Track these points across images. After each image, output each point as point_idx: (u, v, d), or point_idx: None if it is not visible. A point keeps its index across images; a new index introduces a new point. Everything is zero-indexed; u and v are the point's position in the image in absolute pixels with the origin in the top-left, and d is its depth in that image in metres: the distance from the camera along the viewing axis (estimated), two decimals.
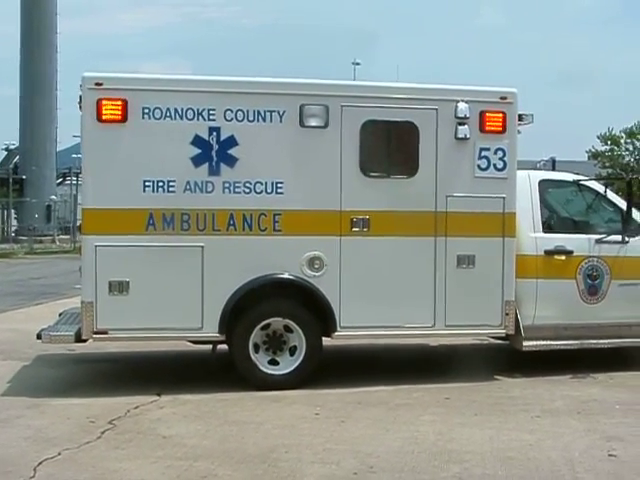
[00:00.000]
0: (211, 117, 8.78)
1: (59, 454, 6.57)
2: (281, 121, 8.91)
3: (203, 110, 8.76)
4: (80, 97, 8.79)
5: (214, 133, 8.78)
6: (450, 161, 9.25)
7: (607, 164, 73.07)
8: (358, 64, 74.18)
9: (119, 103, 8.59)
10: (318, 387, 8.95)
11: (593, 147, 73.06)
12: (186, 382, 9.21)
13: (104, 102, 8.57)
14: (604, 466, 6.37)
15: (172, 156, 8.76)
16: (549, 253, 9.72)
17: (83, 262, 8.71)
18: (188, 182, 8.75)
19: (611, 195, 10.36)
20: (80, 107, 8.83)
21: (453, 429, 7.36)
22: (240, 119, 8.83)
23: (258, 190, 8.88)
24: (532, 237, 9.70)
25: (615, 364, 10.04)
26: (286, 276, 8.94)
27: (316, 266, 8.95)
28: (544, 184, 10.11)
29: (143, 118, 8.66)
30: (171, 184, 8.74)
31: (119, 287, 8.63)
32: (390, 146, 9.34)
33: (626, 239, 9.95)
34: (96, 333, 8.64)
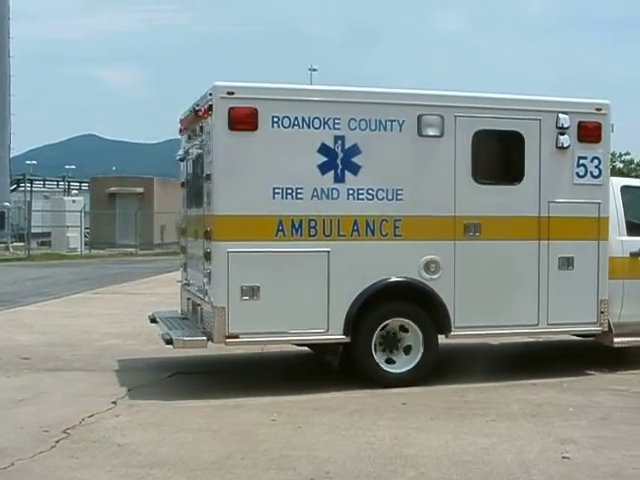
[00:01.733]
0: (336, 126, 9.11)
1: (12, 464, 6.50)
2: (401, 130, 9.30)
3: (329, 119, 9.09)
4: (195, 108, 9.46)
5: (339, 142, 9.12)
6: (551, 169, 9.81)
7: None
8: (315, 70, 74.65)
9: (250, 112, 8.87)
10: (275, 394, 8.94)
11: None
12: (142, 390, 9.15)
13: (236, 111, 8.82)
14: (558, 468, 6.43)
15: (300, 164, 9.07)
16: (634, 255, 10.37)
17: (214, 268, 8.92)
18: (315, 189, 9.07)
19: None
20: (184, 119, 10.00)
21: (409, 434, 7.39)
22: (363, 128, 9.18)
23: (380, 197, 9.24)
24: (618, 240, 10.30)
25: (569, 369, 10.17)
26: (406, 279, 9.31)
27: (432, 269, 9.36)
28: (625, 190, 10.66)
29: (272, 127, 8.94)
30: (299, 191, 9.04)
31: (250, 292, 8.85)
32: (498, 154, 10.08)
33: None
34: (228, 337, 8.85)
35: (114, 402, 8.54)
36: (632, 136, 49.61)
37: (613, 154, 72.58)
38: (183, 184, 11.07)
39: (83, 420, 7.81)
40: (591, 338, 10.51)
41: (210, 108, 8.94)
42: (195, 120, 9.67)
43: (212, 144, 8.97)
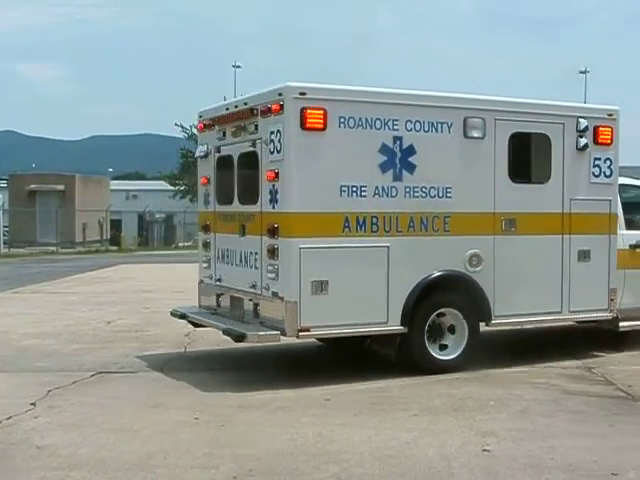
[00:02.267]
0: (395, 127, 9.62)
1: None
2: (449, 132, 9.93)
3: (389, 120, 9.58)
4: (250, 106, 9.81)
5: (397, 142, 9.64)
6: (572, 169, 10.78)
7: None
8: (239, 67, 74.48)
9: (321, 112, 9.22)
10: (198, 393, 8.89)
11: None
12: (62, 390, 9.00)
13: (308, 111, 9.15)
14: (478, 461, 6.52)
15: (363, 163, 9.52)
16: (632, 247, 11.59)
17: (284, 264, 9.24)
18: (377, 187, 9.55)
19: None
20: (218, 117, 10.49)
21: (333, 430, 7.40)
22: (417, 129, 9.75)
23: (432, 194, 9.86)
24: (620, 234, 11.31)
25: (491, 363, 10.32)
26: (454, 272, 9.97)
27: (474, 262, 10.07)
28: (622, 188, 11.62)
29: (339, 127, 9.34)
30: (363, 189, 9.49)
31: (320, 287, 9.21)
32: (530, 155, 10.74)
33: None
34: (300, 331, 9.16)
35: (33, 403, 8.37)
36: None
37: None
38: (207, 180, 11.25)
39: (0, 422, 7.64)
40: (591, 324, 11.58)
41: (281, 107, 9.22)
42: (244, 118, 9.99)
43: (284, 143, 9.21)
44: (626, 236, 11.49)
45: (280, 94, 9.28)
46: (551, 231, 10.63)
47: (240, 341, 9.44)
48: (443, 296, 10.05)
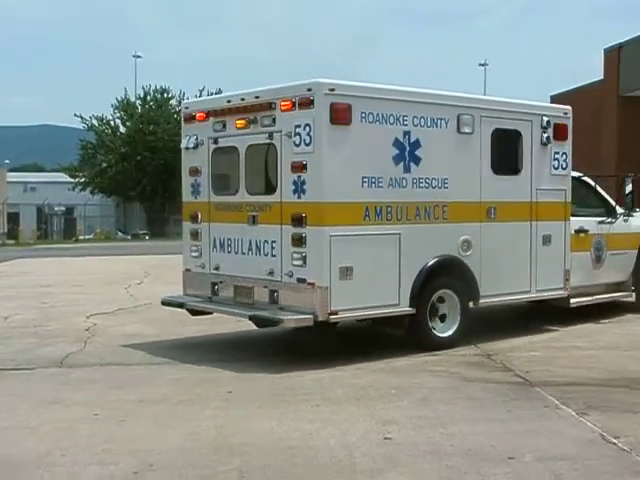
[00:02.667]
0: (405, 122, 10.35)
1: None
2: (446, 127, 10.78)
3: (400, 116, 10.30)
4: (268, 100, 10.17)
5: (407, 136, 10.37)
6: (538, 162, 11.93)
7: None
8: (139, 57, 73.62)
9: (347, 107, 9.81)
10: (98, 388, 8.75)
11: None
12: None
13: (337, 106, 9.69)
14: (380, 449, 6.58)
15: (380, 155, 10.18)
16: (577, 232, 12.86)
17: (314, 251, 9.73)
18: (391, 178, 10.24)
19: (598, 188, 13.81)
20: (219, 109, 10.86)
21: (235, 423, 7.38)
22: (422, 125, 10.52)
23: (433, 185, 10.67)
24: None
25: (394, 351, 10.43)
26: (451, 256, 10.88)
27: (465, 247, 10.99)
28: None
29: (361, 121, 9.95)
30: (380, 180, 10.16)
31: (346, 272, 9.80)
32: (507, 149, 11.68)
33: (612, 220, 13.58)
34: (330, 314, 9.69)
35: None
36: None
37: None
38: (197, 170, 11.43)
39: None
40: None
41: (311, 102, 9.67)
42: (256, 110, 10.33)
43: (314, 136, 9.65)
44: (572, 222, 12.58)
45: (310, 89, 9.73)
46: (523, 218, 11.77)
47: (268, 326, 10.39)
48: (442, 279, 10.91)
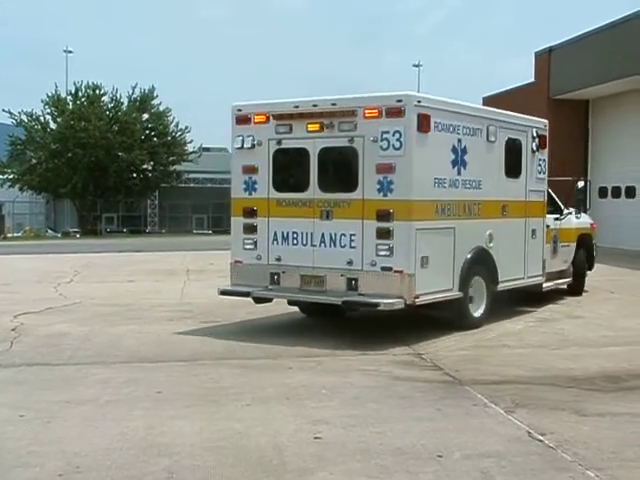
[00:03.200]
0: (458, 131, 12.00)
1: None
2: (480, 136, 12.58)
3: (456, 126, 11.94)
4: (351, 108, 11.32)
5: (460, 143, 12.03)
6: (530, 166, 14.07)
7: None
8: (70, 52, 72.84)
9: (429, 117, 11.28)
10: (24, 389, 8.58)
11: None
12: None
13: (423, 116, 11.16)
14: (310, 449, 6.57)
15: (443, 160, 11.79)
16: (547, 227, 14.84)
17: (402, 243, 11.05)
18: (449, 180, 11.88)
19: (550, 190, 15.42)
20: (293, 114, 11.74)
21: (164, 422, 7.30)
22: (468, 134, 12.21)
23: (474, 186, 12.40)
24: None
25: (324, 348, 10.43)
26: (482, 247, 12.65)
27: (489, 240, 12.75)
28: None
29: (434, 130, 11.42)
30: (444, 181, 11.77)
31: (425, 261, 11.28)
32: (514, 155, 13.59)
33: (562, 218, 15.88)
34: (414, 298, 11.12)
35: None
36: None
37: None
38: (253, 169, 12.17)
39: None
40: None
41: (401, 112, 10.98)
42: (336, 117, 11.41)
43: (404, 141, 10.97)
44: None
45: (400, 100, 11.02)
46: (521, 215, 13.79)
47: (357, 309, 12.33)
48: (476, 267, 12.46)
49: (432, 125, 11.29)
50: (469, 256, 12.22)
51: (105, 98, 62.91)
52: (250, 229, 12.19)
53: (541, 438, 6.85)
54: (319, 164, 11.69)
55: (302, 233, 11.75)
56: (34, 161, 61.57)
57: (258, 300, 12.18)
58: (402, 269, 10.98)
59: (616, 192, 29.61)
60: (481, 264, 12.58)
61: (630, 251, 26.81)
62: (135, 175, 64.01)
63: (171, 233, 64.06)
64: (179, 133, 65.23)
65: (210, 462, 6.27)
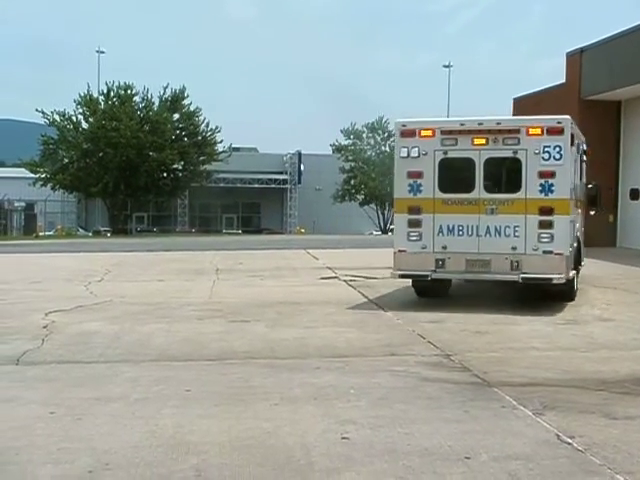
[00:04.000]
0: (578, 147, 16.20)
1: None
2: (578, 151, 16.15)
3: (578, 141, 15.79)
4: (515, 126, 14.65)
5: (578, 156, 16.26)
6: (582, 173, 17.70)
7: (350, 157, 76.45)
8: (103, 52, 73.40)
9: (573, 136, 14.93)
10: (55, 386, 8.67)
11: (337, 141, 76.14)
12: None
13: (572, 135, 14.58)
14: (337, 449, 6.58)
15: (574, 169, 15.56)
16: None
17: (561, 232, 14.38)
18: (574, 184, 15.66)
19: None
20: (462, 130, 14.91)
21: (192, 421, 7.33)
22: (578, 150, 16.14)
23: (577, 190, 16.05)
24: None
25: (350, 350, 10.43)
26: (577, 236, 16.09)
27: (576, 228, 15.97)
28: None
29: (572, 147, 14.77)
30: (575, 184, 15.73)
31: (572, 246, 15.07)
32: (581, 165, 17.37)
33: None
34: (567, 276, 14.66)
35: None
36: None
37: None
38: (419, 174, 14.98)
39: None
40: None
41: (561, 131, 14.27)
42: (501, 134, 14.56)
43: (564, 154, 14.25)
44: None
45: (559, 122, 14.37)
46: (578, 211, 16.79)
47: (532, 285, 14.74)
48: (576, 252, 15.81)
49: (575, 142, 15.01)
50: (577, 242, 15.74)
51: (136, 98, 63.50)
52: (414, 224, 14.98)
53: (570, 441, 6.81)
54: (484, 170, 14.72)
55: (467, 226, 14.73)
56: (66, 160, 62.18)
57: (422, 292, 15.90)
58: (562, 252, 14.26)
59: None
60: (578, 250, 16.15)
61: None
62: (165, 175, 64.43)
63: (201, 232, 64.39)
64: (209, 133, 65.54)
65: (238, 461, 6.30)
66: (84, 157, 61.22)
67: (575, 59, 31.19)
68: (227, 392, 8.45)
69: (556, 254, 14.13)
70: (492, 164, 14.78)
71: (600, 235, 30.08)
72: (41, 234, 55.78)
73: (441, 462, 6.31)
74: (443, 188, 14.92)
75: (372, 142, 75.86)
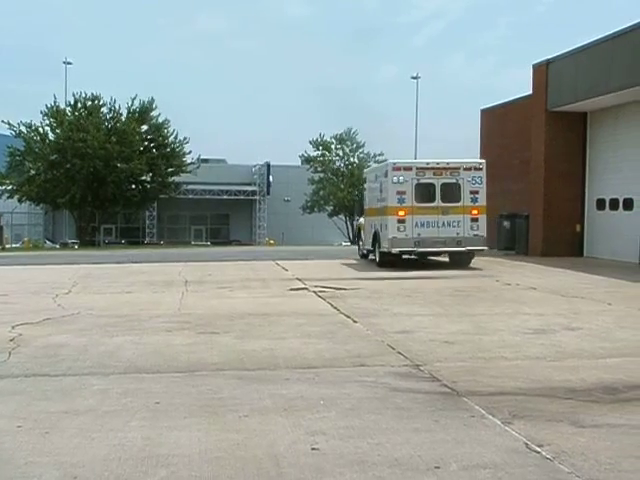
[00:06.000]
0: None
1: None
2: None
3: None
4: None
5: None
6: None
7: (319, 168, 76.72)
8: (70, 63, 73.19)
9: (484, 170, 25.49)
10: (22, 400, 8.59)
11: (306, 152, 76.39)
12: None
13: (486, 170, 25.01)
14: (307, 460, 6.57)
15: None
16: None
17: (481, 224, 24.91)
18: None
19: None
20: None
21: (162, 433, 7.30)
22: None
23: None
24: None
25: (320, 361, 10.43)
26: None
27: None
28: None
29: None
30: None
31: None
32: None
33: None
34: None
35: None
36: None
37: (368, 154, 76.49)
38: (403, 192, 25.07)
39: None
40: None
41: (480, 168, 25.40)
42: (448, 169, 25.15)
43: (482, 182, 25.21)
44: None
45: (480, 164, 25.37)
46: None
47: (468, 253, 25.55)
48: None
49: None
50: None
51: (104, 109, 63.14)
52: (401, 222, 24.77)
53: (538, 449, 6.86)
54: (440, 190, 24.91)
55: (431, 221, 24.79)
56: (33, 172, 61.66)
57: (386, 264, 25.49)
58: (483, 234, 24.94)
59: (614, 204, 29.65)
60: None
61: (627, 263, 26.84)
62: (134, 186, 64.14)
63: (169, 244, 64.14)
64: (177, 144, 65.37)
65: (208, 473, 6.28)
66: (51, 168, 60.76)
67: (541, 70, 31.51)
68: (196, 404, 8.41)
69: (480, 236, 24.97)
70: (445, 186, 25.02)
71: (567, 245, 30.50)
72: (8, 246, 55.22)
73: (411, 472, 6.33)
74: (417, 200, 24.92)
75: (341, 153, 76.13)
